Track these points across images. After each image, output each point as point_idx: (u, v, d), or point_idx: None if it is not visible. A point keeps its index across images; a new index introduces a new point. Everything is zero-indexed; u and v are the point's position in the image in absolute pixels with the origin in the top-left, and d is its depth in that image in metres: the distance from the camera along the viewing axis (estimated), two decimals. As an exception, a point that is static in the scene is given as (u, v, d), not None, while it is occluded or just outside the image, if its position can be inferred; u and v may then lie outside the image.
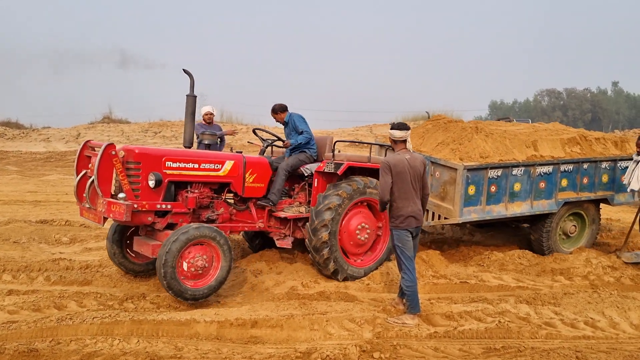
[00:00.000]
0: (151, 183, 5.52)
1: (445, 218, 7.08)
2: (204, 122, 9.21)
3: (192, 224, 5.52)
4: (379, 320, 5.10)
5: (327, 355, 4.36)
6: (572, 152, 7.91)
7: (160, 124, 32.02)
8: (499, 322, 5.08)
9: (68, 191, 13.09)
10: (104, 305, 5.44)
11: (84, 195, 5.56)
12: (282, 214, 6.50)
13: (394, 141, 5.26)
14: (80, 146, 5.86)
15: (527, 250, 7.70)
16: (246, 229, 6.48)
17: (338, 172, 6.33)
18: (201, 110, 9.19)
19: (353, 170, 6.58)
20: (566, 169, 7.74)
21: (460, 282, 6.40)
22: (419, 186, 5.21)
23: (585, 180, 7.93)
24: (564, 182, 7.77)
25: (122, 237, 6.23)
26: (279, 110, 6.83)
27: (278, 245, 6.53)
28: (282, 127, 7.04)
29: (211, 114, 9.17)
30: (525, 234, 8.84)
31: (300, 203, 6.83)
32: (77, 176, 5.75)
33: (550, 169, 7.60)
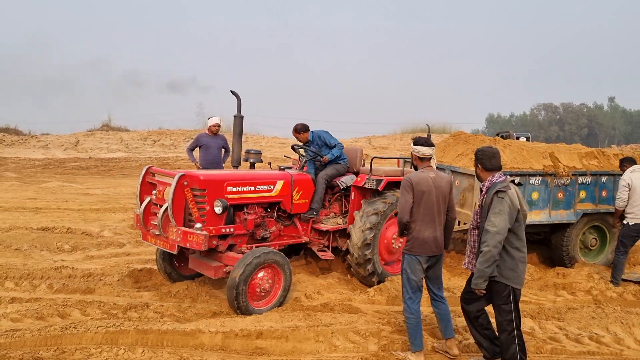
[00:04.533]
0: (218, 210, 5.71)
1: (464, 224, 7.42)
2: (208, 133, 9.25)
3: (261, 248, 5.76)
4: (384, 333, 5.09)
5: (334, 368, 4.35)
6: (590, 165, 8.10)
7: (159, 132, 32.00)
8: (504, 336, 5.07)
9: (68, 198, 13.07)
10: (107, 314, 5.42)
11: (155, 223, 5.78)
12: (322, 227, 6.78)
13: (419, 158, 4.73)
14: (142, 173, 6.05)
15: (529, 264, 7.68)
16: (294, 242, 6.75)
17: (379, 188, 6.66)
18: (208, 122, 9.29)
19: (389, 184, 6.86)
20: (584, 181, 7.91)
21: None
22: (443, 208, 4.62)
23: (604, 194, 8.10)
24: (583, 194, 7.95)
25: (170, 254, 6.38)
26: (301, 131, 6.96)
27: (322, 257, 6.80)
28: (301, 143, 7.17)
29: (218, 125, 9.28)
30: (533, 247, 8.91)
31: (335, 214, 7.11)
32: (141, 203, 5.97)
33: (568, 180, 7.81)
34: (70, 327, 4.88)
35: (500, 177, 4.22)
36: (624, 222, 7.14)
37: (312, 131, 7.02)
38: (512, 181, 4.26)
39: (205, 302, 5.98)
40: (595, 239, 8.26)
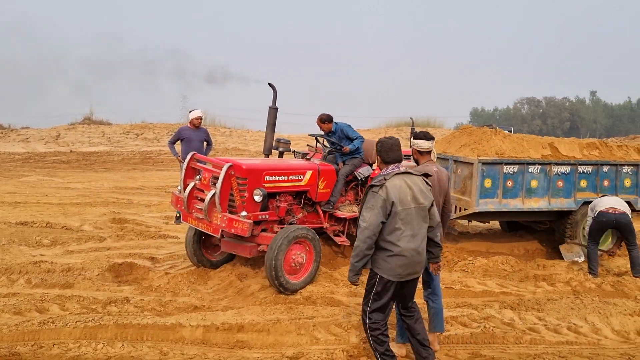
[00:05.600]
0: (258, 198, 6.14)
1: (465, 209, 7.68)
2: (190, 126, 9.21)
3: (293, 225, 6.32)
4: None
5: (315, 360, 4.35)
6: (591, 155, 8.29)
7: (142, 126, 31.68)
8: (484, 327, 5.13)
9: (48, 192, 12.88)
10: (87, 309, 5.36)
11: (200, 207, 6.22)
12: (340, 214, 7.13)
13: (419, 152, 4.76)
14: (188, 158, 6.52)
15: (510, 257, 7.79)
16: (314, 227, 6.93)
17: None
18: (189, 115, 9.25)
19: None
20: (585, 170, 8.11)
21: (446, 287, 6.43)
22: (441, 201, 4.70)
23: (606, 183, 8.31)
24: (583, 183, 8.17)
25: (200, 238, 6.82)
26: (326, 121, 7.22)
27: (338, 242, 7.15)
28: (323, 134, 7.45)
29: (201, 118, 9.29)
30: (516, 239, 9.16)
31: (349, 202, 7.45)
32: (184, 187, 6.45)
33: (567, 169, 8.02)
34: (48, 322, 4.82)
35: (392, 169, 4.07)
36: (593, 215, 7.26)
37: (335, 122, 7.31)
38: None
39: (186, 295, 5.95)
40: None
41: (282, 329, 4.89)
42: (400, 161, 4.21)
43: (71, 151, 25.86)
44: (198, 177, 6.42)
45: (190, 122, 9.26)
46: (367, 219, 3.91)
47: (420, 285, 4.84)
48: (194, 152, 6.74)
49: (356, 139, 7.21)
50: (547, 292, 6.46)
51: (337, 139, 7.33)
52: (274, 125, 7.04)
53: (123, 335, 4.69)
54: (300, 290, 6.10)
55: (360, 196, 7.48)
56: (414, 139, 4.76)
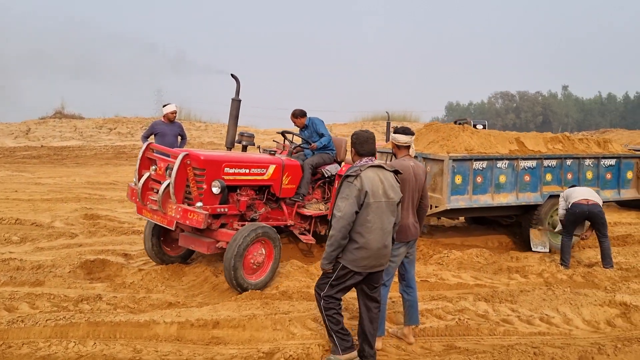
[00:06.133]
0: (216, 190, 5.94)
1: (436, 207, 7.67)
2: (164, 120, 9.07)
3: (250, 224, 6.01)
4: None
5: (290, 355, 4.33)
6: (555, 149, 8.42)
7: (115, 120, 31.18)
8: (459, 319, 5.17)
9: (17, 188, 12.59)
10: (57, 307, 5.24)
11: (154, 198, 5.97)
12: (306, 212, 7.01)
13: (397, 146, 4.80)
14: (143, 148, 6.23)
15: (484, 249, 7.88)
16: (278, 224, 6.86)
17: None
18: (163, 109, 9.10)
19: None
20: (550, 164, 8.25)
21: (421, 280, 6.47)
22: (417, 197, 4.69)
23: (569, 176, 8.45)
24: (549, 177, 8.30)
25: (159, 232, 6.61)
26: (299, 115, 7.26)
27: (304, 241, 6.95)
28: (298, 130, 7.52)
29: (175, 112, 9.12)
30: (490, 232, 9.27)
31: (317, 200, 7.37)
32: (139, 177, 6.16)
33: (534, 163, 8.12)
34: (17, 320, 4.69)
35: (366, 162, 4.14)
36: (566, 207, 7.39)
37: (309, 117, 7.30)
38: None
39: (161, 292, 5.86)
40: None
41: (257, 325, 4.85)
42: (373, 155, 4.26)
43: (42, 146, 25.32)
44: (153, 167, 6.18)
45: (164, 116, 9.11)
46: (342, 208, 3.95)
47: (395, 279, 4.88)
48: (150, 142, 6.44)
49: (322, 136, 7.20)
50: (520, 284, 6.54)
51: (309, 133, 7.28)
52: (236, 117, 6.92)
53: (95, 333, 4.59)
54: (277, 285, 6.08)
55: (327, 194, 7.43)
56: (393, 133, 4.80)
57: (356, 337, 4.36)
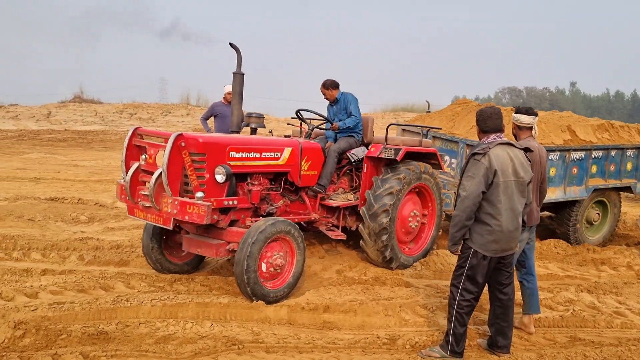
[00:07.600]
0: (220, 178, 4.82)
1: None
2: (224, 102, 8.82)
3: (265, 219, 4.91)
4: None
5: (417, 342, 4.16)
6: (603, 139, 7.91)
7: (135, 105, 30.98)
8: (574, 310, 4.98)
9: (60, 169, 12.43)
10: (154, 287, 5.07)
11: (146, 193, 4.79)
12: (332, 203, 5.99)
13: (519, 127, 4.49)
14: (129, 134, 4.99)
15: (560, 240, 7.66)
16: (301, 220, 5.83)
17: (397, 158, 5.84)
18: (224, 89, 8.81)
19: (408, 155, 6.08)
20: (597, 155, 7.73)
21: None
22: (539, 179, 4.47)
23: (612, 168, 7.98)
24: (594, 169, 7.77)
25: (160, 235, 5.43)
26: (330, 86, 6.20)
27: (332, 237, 5.96)
28: (327, 104, 6.46)
29: None
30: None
31: (343, 189, 6.35)
32: (127, 170, 4.94)
33: (582, 154, 7.57)
34: (122, 300, 4.53)
35: (494, 139, 3.90)
36: None
37: (342, 92, 6.30)
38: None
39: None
40: (598, 213, 8.16)
41: (368, 310, 4.69)
42: (501, 131, 4.00)
43: (65, 129, 25.14)
44: (143, 156, 4.94)
45: (223, 98, 8.88)
46: (467, 187, 3.76)
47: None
48: (137, 127, 5.16)
49: (350, 115, 6.16)
50: (611, 276, 6.35)
51: (337, 110, 6.29)
52: (241, 94, 5.69)
53: (205, 314, 4.42)
54: (364, 271, 5.84)
55: (355, 182, 6.39)
56: (515, 113, 4.55)
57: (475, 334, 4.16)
